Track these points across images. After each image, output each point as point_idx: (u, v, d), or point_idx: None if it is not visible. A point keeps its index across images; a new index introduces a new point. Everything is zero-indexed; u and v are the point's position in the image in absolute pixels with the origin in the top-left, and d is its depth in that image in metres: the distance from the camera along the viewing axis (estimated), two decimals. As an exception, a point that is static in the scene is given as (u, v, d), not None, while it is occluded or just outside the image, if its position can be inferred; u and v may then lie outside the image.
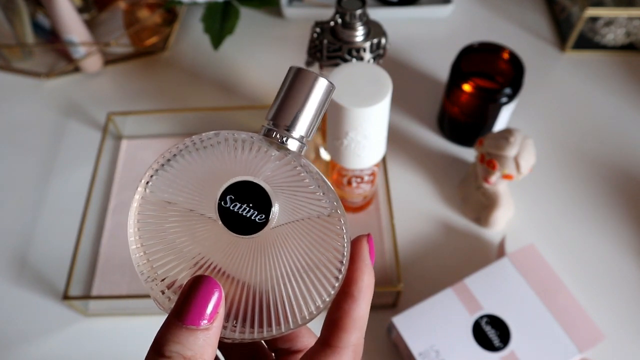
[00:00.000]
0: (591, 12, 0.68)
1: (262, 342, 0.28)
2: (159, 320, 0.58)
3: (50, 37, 0.75)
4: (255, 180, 0.23)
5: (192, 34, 0.78)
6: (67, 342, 0.53)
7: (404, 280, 0.55)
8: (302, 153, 0.25)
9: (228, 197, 0.23)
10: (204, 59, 0.75)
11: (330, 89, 0.24)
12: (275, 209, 0.23)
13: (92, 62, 0.73)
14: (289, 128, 0.24)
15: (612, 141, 0.65)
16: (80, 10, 0.74)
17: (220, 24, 0.72)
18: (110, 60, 0.75)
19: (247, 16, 0.79)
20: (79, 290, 0.55)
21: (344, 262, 0.23)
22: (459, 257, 0.57)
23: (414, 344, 0.47)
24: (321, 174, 0.24)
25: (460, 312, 0.48)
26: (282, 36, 0.77)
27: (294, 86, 0.24)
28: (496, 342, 0.47)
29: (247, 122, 0.66)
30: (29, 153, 0.67)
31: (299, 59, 0.73)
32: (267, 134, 0.24)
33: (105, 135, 0.64)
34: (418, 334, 0.47)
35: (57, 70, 0.74)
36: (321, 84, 0.24)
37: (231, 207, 0.23)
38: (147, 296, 0.52)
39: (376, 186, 0.59)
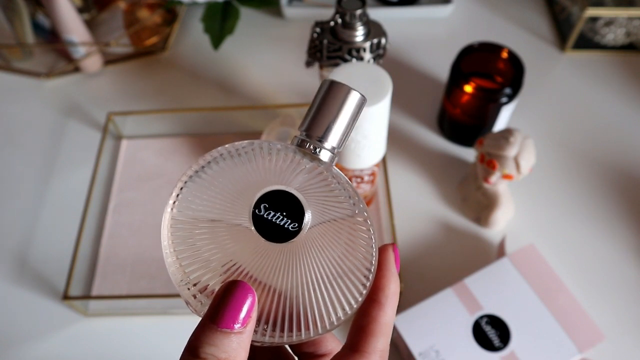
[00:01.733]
0: (591, 12, 0.68)
1: (287, 346, 0.29)
2: (159, 320, 0.58)
3: (50, 37, 0.75)
4: (289, 190, 0.24)
5: (192, 34, 0.78)
6: (67, 342, 0.53)
7: (404, 280, 0.55)
8: (334, 164, 0.25)
9: (262, 206, 0.24)
10: (204, 59, 0.75)
11: (362, 101, 0.25)
12: (308, 217, 0.24)
13: (92, 62, 0.73)
14: (321, 139, 0.25)
15: (612, 141, 0.65)
16: (80, 10, 0.74)
17: (220, 24, 0.72)
18: (110, 60, 0.75)
19: (247, 16, 0.79)
20: (79, 290, 0.55)
21: (372, 270, 0.24)
22: (459, 257, 0.57)
23: (414, 344, 0.47)
24: (351, 184, 0.24)
25: (460, 312, 0.48)
26: (282, 36, 0.77)
27: (327, 98, 0.25)
28: (496, 342, 0.47)
29: (247, 122, 0.66)
30: (29, 153, 0.67)
31: (299, 59, 0.73)
32: (300, 144, 0.25)
33: (105, 135, 0.64)
34: (418, 334, 0.47)
35: (57, 70, 0.74)
36: (353, 97, 0.25)
37: (265, 215, 0.24)
38: (147, 296, 0.52)
39: (376, 186, 0.59)
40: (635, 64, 0.72)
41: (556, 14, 0.78)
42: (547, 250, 0.56)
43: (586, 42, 0.73)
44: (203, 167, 0.25)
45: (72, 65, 0.73)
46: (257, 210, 0.24)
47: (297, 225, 0.23)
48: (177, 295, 0.52)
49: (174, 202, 0.24)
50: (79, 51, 0.71)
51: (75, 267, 0.54)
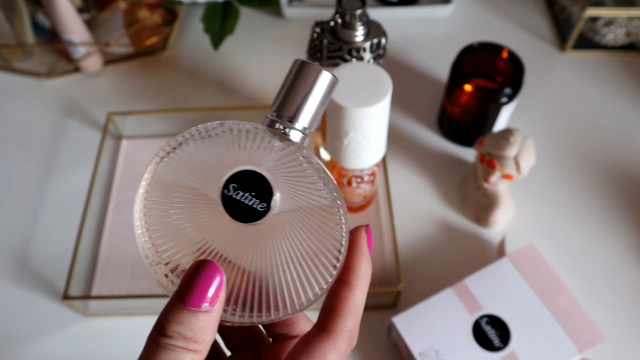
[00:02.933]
0: (591, 12, 0.68)
1: (261, 327, 0.29)
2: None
3: (50, 37, 0.75)
4: (257, 170, 0.24)
5: (192, 34, 0.78)
6: (67, 342, 0.53)
7: (404, 280, 0.55)
8: (305, 144, 0.25)
9: (231, 186, 0.23)
10: (204, 59, 0.75)
11: (334, 82, 0.25)
12: (277, 198, 0.23)
13: (92, 62, 0.73)
14: (292, 119, 0.24)
15: (612, 141, 0.65)
16: (80, 10, 0.74)
17: (220, 24, 0.72)
18: (110, 60, 0.75)
19: (247, 16, 0.79)
20: (79, 290, 0.55)
21: (342, 250, 0.24)
22: (459, 257, 0.57)
23: (414, 344, 0.47)
24: (322, 165, 0.24)
25: (460, 312, 0.48)
26: (282, 36, 0.78)
27: (298, 79, 0.25)
28: (496, 342, 0.47)
29: (248, 121, 0.66)
30: (29, 153, 0.67)
31: (299, 59, 0.73)
32: (271, 124, 0.25)
33: (105, 135, 0.64)
34: (418, 334, 0.47)
35: (57, 70, 0.74)
36: (324, 77, 0.25)
37: (234, 195, 0.23)
38: (147, 296, 0.52)
39: (376, 186, 0.59)
40: (635, 64, 0.72)
41: (556, 14, 0.78)
42: (547, 250, 0.56)
43: (586, 42, 0.73)
44: (174, 148, 0.25)
45: (72, 65, 0.73)
46: (226, 191, 0.23)
47: (265, 205, 0.23)
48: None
49: (147, 184, 0.24)
50: (79, 51, 0.71)
51: (75, 267, 0.54)
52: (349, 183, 0.53)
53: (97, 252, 0.58)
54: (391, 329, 0.50)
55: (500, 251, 0.55)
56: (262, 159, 0.24)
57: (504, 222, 0.57)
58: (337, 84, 0.25)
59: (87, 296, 0.55)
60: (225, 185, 0.23)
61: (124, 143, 0.67)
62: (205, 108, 0.68)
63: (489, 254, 0.57)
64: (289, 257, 0.24)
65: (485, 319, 0.48)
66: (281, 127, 0.24)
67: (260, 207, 0.23)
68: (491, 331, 0.47)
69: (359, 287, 0.23)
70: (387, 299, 0.53)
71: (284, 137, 0.24)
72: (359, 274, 0.23)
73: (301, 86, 0.24)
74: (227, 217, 0.23)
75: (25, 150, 0.67)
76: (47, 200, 0.63)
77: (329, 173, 0.24)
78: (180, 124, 0.66)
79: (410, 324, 0.48)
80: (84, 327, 0.54)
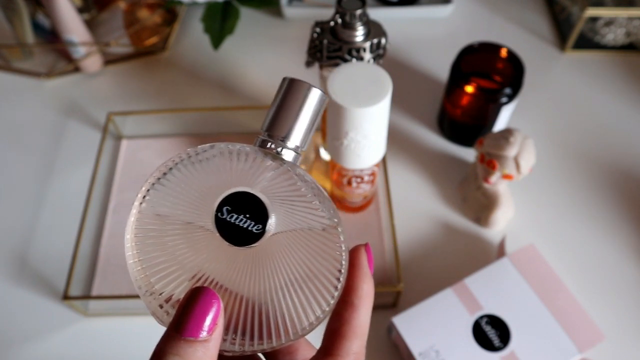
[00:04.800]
0: (591, 12, 0.68)
1: (261, 356, 0.28)
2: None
3: (50, 37, 0.75)
4: (251, 191, 0.23)
5: (192, 34, 0.78)
6: (67, 342, 0.53)
7: (404, 280, 0.55)
8: (298, 163, 0.25)
9: (225, 209, 0.23)
10: (204, 59, 0.75)
11: (324, 99, 0.25)
12: (272, 219, 0.23)
13: (92, 62, 0.73)
14: (284, 139, 0.24)
15: (612, 141, 0.65)
16: (80, 10, 0.74)
17: (220, 24, 0.72)
18: (110, 60, 0.75)
19: (247, 16, 0.79)
20: (79, 290, 0.55)
21: (343, 270, 0.23)
22: (459, 257, 0.57)
23: (414, 344, 0.47)
24: (317, 183, 0.24)
25: (460, 312, 0.48)
26: (282, 36, 0.78)
27: (288, 97, 0.24)
28: (496, 342, 0.47)
29: (247, 122, 0.66)
30: (29, 153, 0.67)
31: (299, 59, 0.73)
32: (262, 144, 0.24)
33: (105, 135, 0.64)
34: (418, 334, 0.47)
35: (57, 70, 0.74)
36: (314, 94, 0.24)
37: (228, 218, 0.23)
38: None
39: (376, 186, 0.59)
40: (635, 64, 0.72)
41: (556, 14, 0.78)
42: (547, 250, 0.56)
43: (586, 42, 0.73)
44: (165, 173, 0.24)
45: (72, 65, 0.73)
46: (219, 214, 0.23)
47: (260, 227, 0.23)
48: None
49: (138, 212, 0.24)
50: (79, 51, 0.70)
51: (75, 267, 0.54)
52: (349, 183, 0.53)
53: (97, 252, 0.58)
54: (391, 329, 0.50)
55: (500, 251, 0.55)
56: (256, 180, 0.23)
57: (504, 222, 0.57)
58: (327, 100, 0.25)
59: (87, 296, 0.55)
60: (219, 208, 0.23)
61: (124, 143, 0.67)
62: (205, 108, 0.68)
63: (489, 254, 0.57)
64: (288, 280, 0.23)
65: (485, 319, 0.48)
66: (273, 146, 0.24)
67: (256, 229, 0.23)
68: (491, 331, 0.47)
69: (362, 307, 0.23)
70: (387, 299, 0.53)
71: (277, 156, 0.24)
72: (361, 294, 0.23)
73: (291, 104, 0.24)
74: (221, 241, 0.23)
75: (25, 150, 0.67)
76: (47, 200, 0.63)
77: (324, 191, 0.24)
78: (180, 124, 0.66)
79: (410, 324, 0.48)
80: (84, 327, 0.54)
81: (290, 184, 0.23)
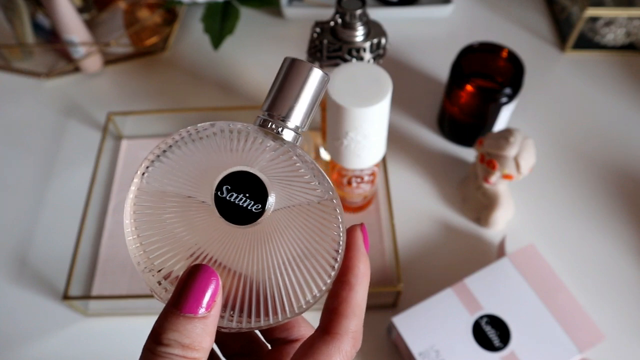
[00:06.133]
0: (591, 12, 0.68)
1: (258, 332, 0.29)
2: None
3: (50, 37, 0.75)
4: (251, 170, 0.23)
5: (192, 34, 0.78)
6: (67, 342, 0.53)
7: (404, 280, 0.55)
8: (298, 143, 0.25)
9: (224, 188, 0.23)
10: (204, 59, 0.75)
11: (325, 79, 0.25)
12: (272, 198, 0.23)
13: (92, 62, 0.73)
14: (284, 118, 0.24)
15: (612, 141, 0.65)
16: (80, 10, 0.74)
17: (220, 24, 0.72)
18: (110, 60, 0.75)
19: (247, 16, 0.79)
20: (79, 290, 0.55)
21: (340, 250, 0.23)
22: (459, 257, 0.57)
23: (414, 344, 0.47)
24: (316, 163, 0.24)
25: (460, 312, 0.48)
26: (282, 36, 0.78)
27: (289, 77, 0.24)
28: (496, 342, 0.47)
29: (247, 122, 0.65)
30: (29, 153, 0.67)
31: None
32: (263, 124, 0.24)
33: (105, 135, 0.64)
34: (418, 334, 0.47)
35: (57, 70, 0.74)
36: (315, 75, 0.24)
37: (227, 197, 0.23)
38: (147, 296, 0.52)
39: (376, 186, 0.59)
40: (635, 64, 0.72)
41: (556, 14, 0.78)
42: (547, 250, 0.56)
43: (586, 42, 0.73)
44: (164, 151, 0.24)
45: (72, 65, 0.73)
46: (219, 193, 0.23)
47: (260, 206, 0.23)
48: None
49: (137, 188, 0.24)
50: (79, 51, 0.70)
51: (75, 267, 0.54)
52: (349, 183, 0.53)
53: (97, 252, 0.58)
54: (391, 329, 0.50)
55: (500, 251, 0.55)
56: (256, 159, 0.23)
57: (504, 222, 0.57)
58: (329, 80, 0.25)
59: (87, 296, 0.55)
60: (219, 187, 0.23)
61: (124, 143, 0.67)
62: (205, 108, 0.68)
63: (489, 254, 0.57)
64: (286, 258, 0.23)
65: (485, 319, 0.48)
66: (273, 126, 0.24)
67: (255, 209, 0.23)
68: (491, 331, 0.47)
69: (359, 286, 0.23)
70: (387, 299, 0.53)
71: (277, 136, 0.24)
72: (358, 274, 0.23)
73: (292, 84, 0.24)
74: (220, 220, 0.23)
75: (25, 150, 0.67)
76: (47, 200, 0.63)
77: (323, 172, 0.24)
78: (180, 124, 0.66)
79: (410, 324, 0.48)
80: (84, 327, 0.54)
81: (290, 164, 0.23)
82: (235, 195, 0.23)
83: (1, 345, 0.53)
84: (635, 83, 0.70)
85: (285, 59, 0.25)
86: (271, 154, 0.23)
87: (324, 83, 0.25)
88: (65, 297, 0.51)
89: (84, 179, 0.63)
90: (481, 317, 0.48)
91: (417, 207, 0.60)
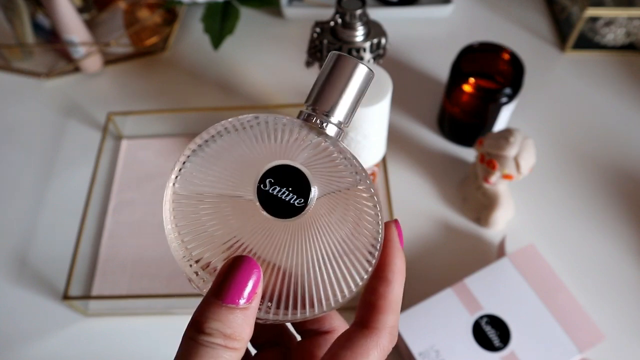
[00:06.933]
0: (591, 12, 0.68)
1: (288, 324, 0.29)
2: (159, 320, 0.58)
3: (50, 37, 0.75)
4: (295, 165, 0.23)
5: (192, 34, 0.78)
6: (67, 342, 0.53)
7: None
8: (340, 139, 0.25)
9: (267, 181, 0.23)
10: (204, 59, 0.75)
11: (370, 76, 0.25)
12: (314, 193, 0.23)
13: (92, 62, 0.73)
14: (328, 113, 0.24)
15: (612, 141, 0.65)
16: (80, 10, 0.74)
17: (220, 24, 0.72)
18: (110, 60, 0.75)
19: (247, 16, 0.79)
20: (79, 290, 0.55)
21: (378, 247, 0.23)
22: (459, 257, 0.57)
23: (414, 344, 0.47)
24: (358, 160, 0.24)
25: (460, 312, 0.48)
26: (282, 36, 0.78)
27: (334, 72, 0.24)
28: (496, 342, 0.47)
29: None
30: (29, 153, 0.67)
31: (299, 59, 0.73)
32: (307, 118, 0.24)
33: (105, 135, 0.64)
34: (418, 334, 0.47)
35: (57, 70, 0.74)
36: (361, 71, 0.24)
37: (270, 191, 0.23)
38: (147, 296, 0.52)
39: (376, 186, 0.59)
40: (635, 64, 0.72)
41: (556, 14, 0.78)
42: (547, 250, 0.56)
43: (586, 42, 0.73)
44: (207, 141, 0.24)
45: (72, 65, 0.73)
46: (262, 185, 0.23)
47: (302, 200, 0.23)
48: (177, 295, 0.52)
49: (176, 177, 0.24)
50: (79, 51, 0.71)
51: (75, 267, 0.54)
52: (349, 183, 0.53)
53: (97, 252, 0.58)
54: (391, 329, 0.50)
55: (500, 251, 0.55)
56: (299, 153, 0.23)
57: (504, 222, 0.58)
58: (374, 77, 0.25)
59: (87, 296, 0.55)
60: (261, 180, 0.23)
61: (124, 143, 0.67)
62: (205, 108, 0.68)
63: (489, 254, 0.57)
64: (325, 252, 0.23)
65: (485, 319, 0.48)
66: (318, 121, 0.24)
67: (298, 203, 0.23)
68: (491, 331, 0.47)
69: (396, 282, 0.23)
70: (387, 299, 0.53)
71: (321, 131, 0.24)
72: (394, 270, 0.23)
73: (337, 80, 0.24)
74: (261, 212, 0.23)
75: (25, 150, 0.67)
76: (47, 200, 0.63)
77: (364, 169, 0.24)
78: (180, 124, 0.66)
79: (410, 324, 0.48)
80: (84, 327, 0.54)
81: (332, 160, 0.23)
82: (278, 188, 0.23)
83: (1, 345, 0.53)
84: (635, 83, 0.70)
85: (331, 54, 0.25)
86: (314, 149, 0.23)
87: (368, 79, 0.25)
88: (65, 297, 0.51)
89: (84, 179, 0.63)
90: (481, 317, 0.48)
91: (417, 207, 0.60)
